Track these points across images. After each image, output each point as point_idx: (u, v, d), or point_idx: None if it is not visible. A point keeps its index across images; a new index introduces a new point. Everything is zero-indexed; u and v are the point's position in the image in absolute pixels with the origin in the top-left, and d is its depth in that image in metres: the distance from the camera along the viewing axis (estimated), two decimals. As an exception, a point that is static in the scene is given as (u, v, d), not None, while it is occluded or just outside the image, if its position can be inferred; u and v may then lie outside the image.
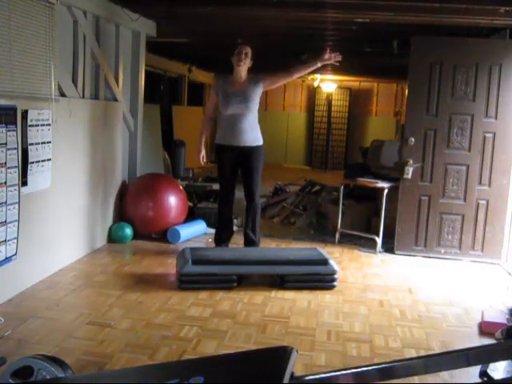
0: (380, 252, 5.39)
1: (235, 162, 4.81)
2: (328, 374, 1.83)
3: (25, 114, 3.66)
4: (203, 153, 4.97)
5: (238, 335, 3.31)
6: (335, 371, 1.81)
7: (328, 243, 5.65)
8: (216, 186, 7.61)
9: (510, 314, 3.74)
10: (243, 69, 4.69)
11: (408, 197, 5.27)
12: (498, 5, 4.19)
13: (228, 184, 4.93)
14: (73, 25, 4.46)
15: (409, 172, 5.18)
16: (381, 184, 5.54)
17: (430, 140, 5.17)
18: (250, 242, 4.91)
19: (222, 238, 5.03)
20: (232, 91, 4.70)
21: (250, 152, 4.75)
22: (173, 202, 5.45)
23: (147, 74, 6.17)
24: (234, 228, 6.05)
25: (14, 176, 3.56)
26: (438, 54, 5.06)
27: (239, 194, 8.12)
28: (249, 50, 4.68)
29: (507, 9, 4.21)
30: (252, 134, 4.75)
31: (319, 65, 4.68)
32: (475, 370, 2.00)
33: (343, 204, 5.75)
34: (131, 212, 5.36)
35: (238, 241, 5.61)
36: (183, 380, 1.89)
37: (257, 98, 4.74)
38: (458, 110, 5.11)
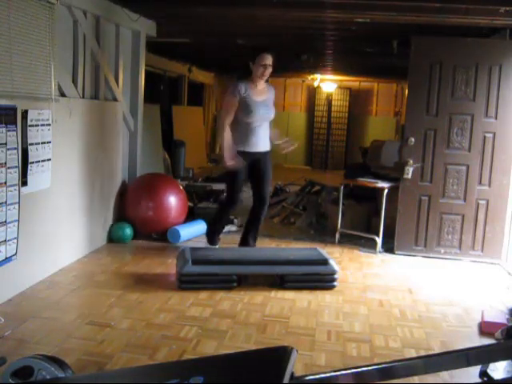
0: (380, 252, 5.39)
1: (250, 168, 4.72)
2: (328, 374, 1.83)
3: (25, 114, 3.66)
4: (234, 159, 4.58)
5: (238, 335, 3.31)
6: (335, 371, 1.81)
7: (328, 243, 5.65)
8: (216, 186, 7.62)
9: (510, 314, 3.74)
10: (264, 79, 4.65)
11: (408, 197, 5.27)
12: (498, 5, 4.19)
13: (240, 189, 4.88)
14: (73, 25, 4.46)
15: (409, 172, 5.18)
16: (381, 184, 5.54)
17: (430, 140, 5.17)
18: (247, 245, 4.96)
19: (216, 239, 5.06)
20: (256, 99, 4.59)
21: (265, 156, 4.77)
22: (173, 202, 5.45)
23: (147, 74, 6.17)
24: (234, 228, 6.06)
25: (14, 176, 3.56)
26: (437, 54, 5.06)
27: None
28: (271, 60, 4.55)
29: (507, 9, 4.21)
30: (268, 139, 4.78)
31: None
32: (475, 370, 2.00)
33: (343, 204, 5.75)
34: (131, 212, 5.36)
35: (236, 240, 5.61)
36: (183, 380, 1.89)
37: (273, 106, 4.80)
38: (458, 110, 5.11)
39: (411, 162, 5.18)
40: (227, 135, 4.59)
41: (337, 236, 5.73)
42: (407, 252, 5.33)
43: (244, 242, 4.95)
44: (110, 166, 5.22)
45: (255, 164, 4.73)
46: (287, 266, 4.24)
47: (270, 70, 4.56)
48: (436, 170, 5.20)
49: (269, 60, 4.53)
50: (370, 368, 1.79)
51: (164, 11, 5.33)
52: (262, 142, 4.71)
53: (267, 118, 4.69)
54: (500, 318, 3.63)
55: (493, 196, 5.14)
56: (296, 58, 8.14)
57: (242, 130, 4.63)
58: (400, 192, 5.29)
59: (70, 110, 4.34)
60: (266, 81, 4.76)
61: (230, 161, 4.53)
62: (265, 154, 4.77)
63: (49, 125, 3.98)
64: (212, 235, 5.06)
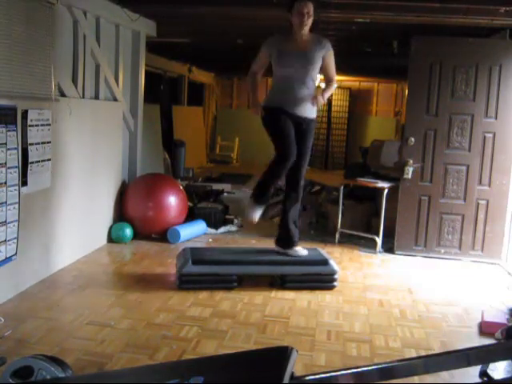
0: (380, 252, 5.39)
1: (293, 127, 4.11)
2: (328, 374, 1.83)
3: (25, 114, 3.66)
4: (259, 106, 4.15)
5: (238, 335, 3.30)
6: (335, 371, 1.81)
7: (328, 243, 5.65)
8: (216, 186, 7.63)
9: (510, 314, 3.74)
10: (306, 29, 4.03)
11: (408, 197, 5.27)
12: (498, 5, 4.19)
13: (292, 144, 4.06)
14: (73, 25, 4.46)
15: (409, 172, 5.18)
16: (381, 184, 5.54)
17: (430, 140, 5.18)
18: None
19: (262, 199, 4.17)
20: (290, 50, 4.05)
21: (304, 124, 4.15)
22: (173, 201, 5.45)
23: (147, 74, 6.17)
24: (234, 228, 6.06)
25: (14, 176, 3.56)
26: (438, 54, 5.06)
27: (239, 193, 8.09)
28: (310, 8, 3.96)
29: (507, 9, 4.21)
30: (305, 106, 4.11)
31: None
32: (475, 370, 2.00)
33: (343, 204, 5.75)
34: (131, 212, 5.35)
35: (237, 240, 5.62)
36: (183, 380, 1.89)
37: (318, 63, 4.06)
38: (458, 110, 5.11)
39: (411, 162, 5.18)
40: (252, 82, 4.22)
41: (337, 236, 5.73)
42: (407, 252, 5.33)
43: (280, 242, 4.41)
44: (110, 165, 5.22)
45: (295, 128, 4.13)
46: (287, 266, 4.24)
47: (309, 19, 3.97)
48: (436, 170, 5.20)
49: (307, 7, 3.95)
50: (369, 368, 1.79)
51: (164, 11, 5.33)
52: (300, 104, 4.09)
53: (302, 70, 4.02)
54: (500, 317, 3.63)
55: (493, 196, 5.14)
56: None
57: (277, 86, 4.17)
58: (400, 192, 5.29)
59: (69, 110, 4.34)
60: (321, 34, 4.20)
61: (252, 106, 4.18)
62: (306, 120, 4.14)
63: (49, 125, 3.98)
64: (259, 193, 4.16)
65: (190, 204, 6.11)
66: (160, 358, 2.93)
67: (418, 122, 5.18)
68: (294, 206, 4.34)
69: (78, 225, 4.64)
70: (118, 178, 5.44)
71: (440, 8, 4.34)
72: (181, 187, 5.82)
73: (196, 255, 4.21)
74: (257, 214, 4.16)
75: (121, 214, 5.42)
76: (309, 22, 4.01)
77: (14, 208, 3.59)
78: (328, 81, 4.23)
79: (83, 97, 4.64)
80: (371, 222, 5.90)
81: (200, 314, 3.60)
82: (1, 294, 3.58)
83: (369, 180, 5.78)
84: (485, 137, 5.10)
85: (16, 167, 3.58)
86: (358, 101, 13.29)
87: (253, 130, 13.53)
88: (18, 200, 3.62)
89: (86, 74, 4.68)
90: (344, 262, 5.04)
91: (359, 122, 13.31)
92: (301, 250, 4.38)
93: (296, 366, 1.87)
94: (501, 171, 5.10)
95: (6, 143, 3.45)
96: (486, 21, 4.60)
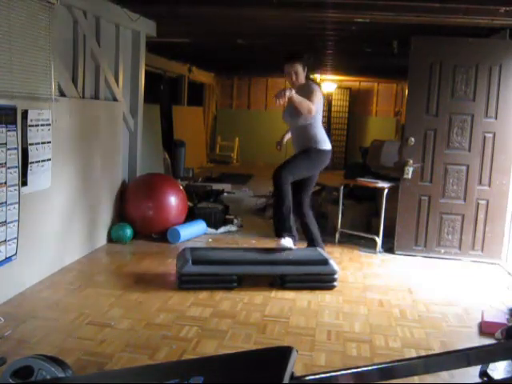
0: (380, 252, 5.39)
1: None
2: (328, 374, 1.83)
3: (25, 114, 3.66)
4: (280, 142, 4.97)
5: (238, 335, 3.31)
6: (335, 371, 1.81)
7: (328, 243, 5.63)
8: (216, 186, 7.64)
9: (510, 314, 3.74)
10: (298, 85, 4.45)
11: (408, 197, 5.27)
12: (498, 5, 4.19)
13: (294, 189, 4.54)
14: (73, 25, 4.46)
15: (409, 172, 5.18)
16: (381, 184, 5.54)
17: (430, 140, 5.18)
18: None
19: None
20: (287, 105, 4.51)
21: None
22: (173, 201, 5.45)
23: (147, 74, 6.17)
24: (234, 228, 6.07)
25: (14, 176, 3.56)
26: (438, 54, 5.06)
27: (239, 193, 8.10)
28: (297, 67, 4.42)
29: (507, 9, 4.21)
30: (302, 143, 4.53)
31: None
32: (475, 370, 2.00)
33: (343, 204, 5.75)
34: (131, 212, 5.35)
35: (237, 240, 5.62)
36: (183, 380, 1.89)
37: None
38: (458, 110, 5.11)
39: (411, 162, 5.18)
40: None
41: (337, 236, 5.74)
42: (407, 252, 5.33)
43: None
44: (110, 165, 5.22)
45: None
46: (287, 265, 4.24)
47: (298, 76, 4.44)
48: (436, 170, 5.20)
49: (293, 68, 4.44)
50: (369, 368, 1.79)
51: (164, 11, 5.33)
52: (296, 145, 4.61)
53: (290, 119, 4.54)
54: (500, 317, 3.63)
55: (493, 196, 5.14)
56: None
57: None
58: (400, 192, 5.29)
59: (69, 110, 4.34)
60: (311, 80, 4.59)
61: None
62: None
63: (49, 125, 3.98)
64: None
65: (190, 204, 6.11)
66: (160, 358, 2.94)
67: (417, 122, 5.18)
68: (278, 207, 4.46)
69: (78, 225, 4.65)
70: (118, 177, 5.44)
71: (440, 8, 4.34)
72: (181, 187, 5.82)
73: (196, 255, 4.21)
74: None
75: (121, 213, 5.42)
76: (299, 78, 4.45)
77: (14, 208, 3.59)
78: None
79: (83, 97, 4.64)
80: (371, 222, 5.90)
81: (200, 314, 3.60)
82: (1, 294, 3.58)
83: (369, 180, 5.78)
84: (485, 137, 5.10)
85: (16, 167, 3.58)
86: (357, 101, 13.30)
87: (253, 130, 13.57)
88: (17, 200, 3.62)
89: (86, 74, 4.68)
90: (344, 262, 5.04)
91: (359, 122, 13.32)
92: (286, 242, 4.40)
93: (296, 366, 1.87)
94: (501, 171, 5.10)
95: (6, 143, 3.45)
96: (486, 21, 4.60)
